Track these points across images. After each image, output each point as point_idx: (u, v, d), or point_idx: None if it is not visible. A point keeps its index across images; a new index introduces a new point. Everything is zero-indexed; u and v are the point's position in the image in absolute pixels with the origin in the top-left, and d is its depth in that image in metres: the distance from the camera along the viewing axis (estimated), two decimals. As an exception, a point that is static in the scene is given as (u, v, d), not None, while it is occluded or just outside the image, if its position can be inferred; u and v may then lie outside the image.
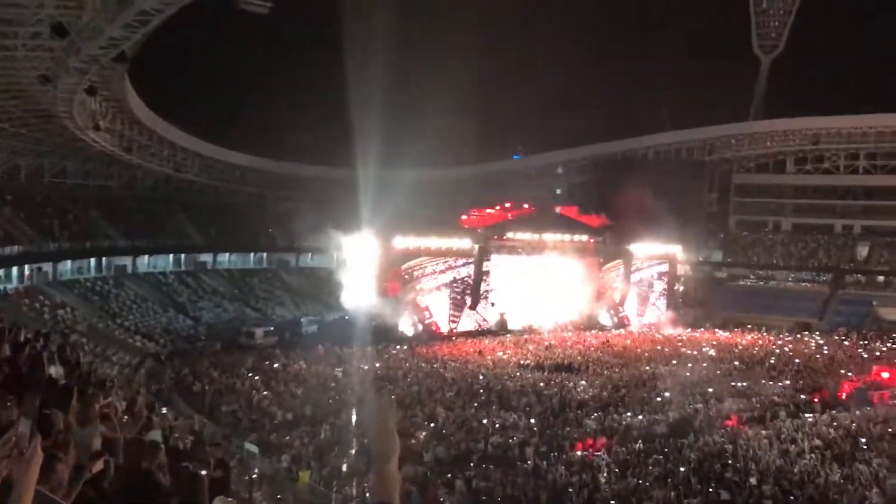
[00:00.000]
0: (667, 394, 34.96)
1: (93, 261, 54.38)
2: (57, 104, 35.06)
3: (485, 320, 58.89)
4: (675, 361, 44.66)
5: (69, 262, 52.11)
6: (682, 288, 72.67)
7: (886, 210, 73.47)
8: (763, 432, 28.78)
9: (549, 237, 62.06)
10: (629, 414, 31.30)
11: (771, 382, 39.34)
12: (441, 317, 56.65)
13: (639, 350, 50.38)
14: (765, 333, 59.30)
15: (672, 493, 21.54)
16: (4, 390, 5.79)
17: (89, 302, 49.40)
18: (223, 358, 42.59)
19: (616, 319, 65.85)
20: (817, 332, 60.00)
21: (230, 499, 6.68)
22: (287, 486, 23.60)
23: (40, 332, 16.52)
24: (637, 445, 26.81)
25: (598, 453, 26.03)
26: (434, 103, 55.73)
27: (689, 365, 42.79)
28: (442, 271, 57.17)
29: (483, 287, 58.75)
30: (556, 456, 25.52)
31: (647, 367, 42.85)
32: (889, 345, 53.91)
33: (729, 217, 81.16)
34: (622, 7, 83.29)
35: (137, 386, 33.76)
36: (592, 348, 50.80)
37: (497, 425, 29.01)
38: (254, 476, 22.75)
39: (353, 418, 28.05)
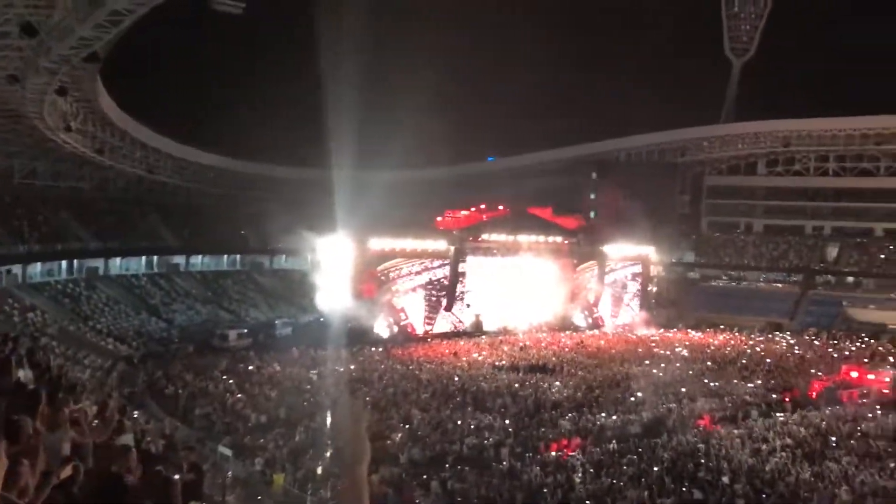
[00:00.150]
0: (640, 394, 35.19)
1: (64, 263, 53.53)
2: (26, 104, 34.64)
3: (460, 322, 58.89)
4: (648, 362, 44.99)
5: (39, 265, 51.25)
6: (655, 289, 73.20)
7: (855, 211, 74.79)
8: (735, 431, 29.15)
9: (524, 238, 62.20)
10: (603, 414, 31.51)
11: (743, 382, 39.80)
12: (416, 318, 56.53)
13: (613, 351, 50.66)
14: (737, 333, 59.84)
15: (646, 493, 21.70)
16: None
17: (60, 305, 48.61)
18: (196, 360, 42.11)
19: (590, 320, 66.10)
20: (788, 332, 60.61)
21: (203, 503, 6.64)
22: (261, 490, 23.44)
23: (9, 335, 16.22)
24: (611, 445, 27.02)
25: (573, 454, 26.19)
26: (408, 104, 55.73)
27: (663, 365, 43.14)
28: (418, 273, 57.05)
29: (459, 288, 58.76)
30: (531, 457, 25.60)
31: (621, 368, 43.13)
32: (858, 344, 54.73)
33: (701, 218, 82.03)
34: (596, 10, 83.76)
35: (109, 389, 33.34)
36: (567, 349, 50.96)
37: (472, 426, 29.02)
38: (227, 479, 22.62)
39: (328, 421, 27.91)
